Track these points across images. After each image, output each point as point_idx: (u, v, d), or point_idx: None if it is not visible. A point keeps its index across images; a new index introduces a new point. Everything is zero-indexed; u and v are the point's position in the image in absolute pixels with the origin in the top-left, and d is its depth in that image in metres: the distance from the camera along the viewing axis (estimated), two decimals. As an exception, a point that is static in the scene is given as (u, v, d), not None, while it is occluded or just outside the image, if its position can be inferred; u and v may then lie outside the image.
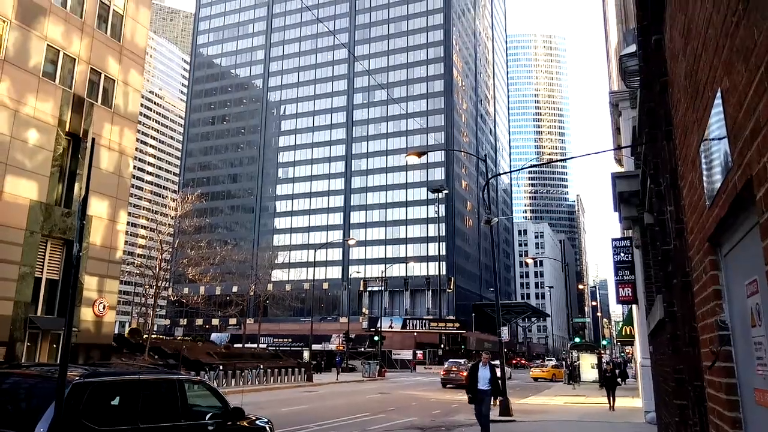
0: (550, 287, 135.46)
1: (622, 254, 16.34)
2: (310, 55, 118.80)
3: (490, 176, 21.26)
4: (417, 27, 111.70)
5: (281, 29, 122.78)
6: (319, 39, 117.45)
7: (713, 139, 2.96)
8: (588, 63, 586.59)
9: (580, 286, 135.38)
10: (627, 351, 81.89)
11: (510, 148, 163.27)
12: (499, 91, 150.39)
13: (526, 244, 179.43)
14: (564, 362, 57.75)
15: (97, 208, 24.44)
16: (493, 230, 24.99)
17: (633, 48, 7.47)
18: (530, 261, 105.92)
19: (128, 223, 34.76)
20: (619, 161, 21.08)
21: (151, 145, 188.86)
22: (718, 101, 2.73)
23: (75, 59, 24.27)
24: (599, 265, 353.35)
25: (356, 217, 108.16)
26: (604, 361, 39.59)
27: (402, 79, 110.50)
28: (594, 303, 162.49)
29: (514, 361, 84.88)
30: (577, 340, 56.13)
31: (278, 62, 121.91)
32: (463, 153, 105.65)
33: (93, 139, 6.27)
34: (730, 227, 2.91)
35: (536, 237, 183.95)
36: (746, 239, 2.68)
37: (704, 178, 3.31)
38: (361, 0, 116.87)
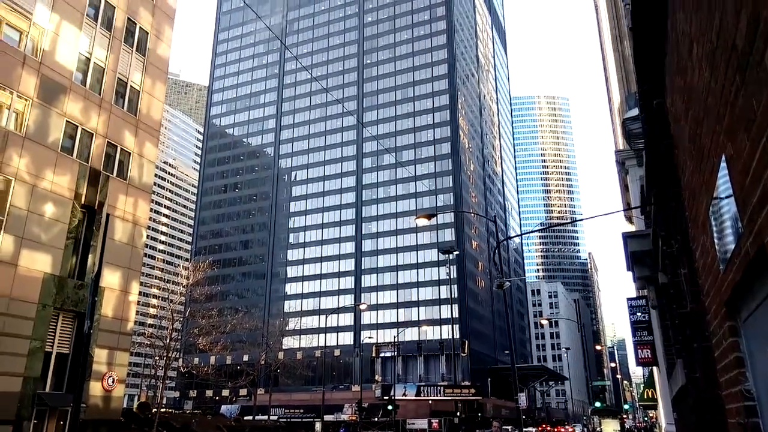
0: (566, 349, 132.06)
1: (639, 314, 15.99)
2: (320, 123, 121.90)
3: (500, 239, 21.22)
4: (423, 93, 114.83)
5: (291, 99, 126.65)
6: (328, 107, 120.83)
7: (722, 205, 2.96)
8: (592, 121, 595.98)
9: (598, 347, 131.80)
10: (651, 415, 78.66)
11: (519, 207, 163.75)
12: (506, 152, 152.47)
13: (540, 304, 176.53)
14: (586, 428, 55.56)
15: (110, 279, 24.52)
16: (506, 291, 24.67)
17: (635, 111, 7.62)
18: (545, 322, 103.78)
19: (140, 293, 34.79)
20: (629, 219, 21.01)
21: (164, 215, 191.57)
22: (723, 167, 2.74)
23: (92, 134, 25.06)
24: (616, 325, 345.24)
25: (367, 280, 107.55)
26: (626, 426, 38.08)
27: (410, 143, 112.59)
28: (613, 364, 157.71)
29: (540, 429, 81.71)
30: (597, 404, 54.18)
31: (289, 130, 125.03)
32: (472, 214, 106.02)
33: (108, 215, 6.36)
34: (747, 293, 2.85)
35: (550, 297, 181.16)
36: (765, 305, 2.62)
37: (716, 242, 3.28)
38: (368, 69, 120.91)
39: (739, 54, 2.15)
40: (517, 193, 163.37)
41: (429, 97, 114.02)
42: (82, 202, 24.06)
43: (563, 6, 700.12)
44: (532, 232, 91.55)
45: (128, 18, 27.81)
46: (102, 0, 26.42)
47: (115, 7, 27.07)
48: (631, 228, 18.61)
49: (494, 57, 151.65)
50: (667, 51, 4.20)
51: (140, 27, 28.54)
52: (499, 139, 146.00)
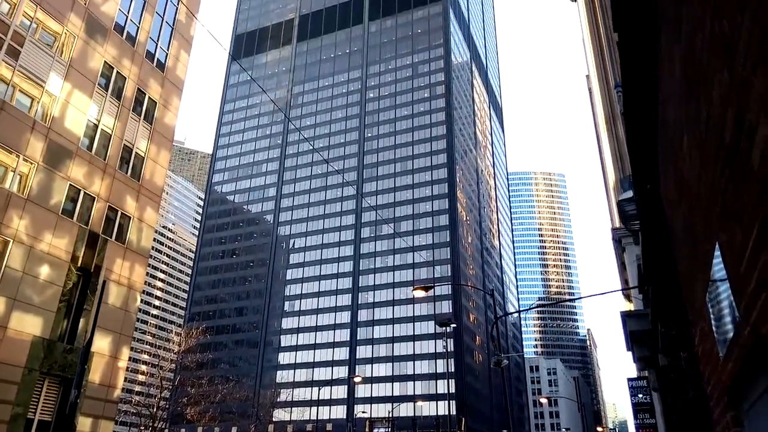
0: (566, 429, 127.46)
1: (640, 395, 15.58)
2: (320, 192, 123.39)
3: (499, 315, 21.01)
4: (422, 166, 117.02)
5: (293, 168, 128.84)
6: (329, 177, 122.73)
7: (718, 291, 2.97)
8: (588, 197, 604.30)
9: (599, 429, 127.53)
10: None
11: (517, 281, 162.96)
12: (504, 226, 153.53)
13: (538, 381, 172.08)
14: None
15: (100, 344, 24.02)
16: (504, 367, 24.15)
17: (630, 194, 7.78)
18: (544, 400, 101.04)
19: (129, 359, 34.12)
20: (628, 297, 20.90)
21: (160, 279, 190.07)
22: (717, 255, 2.78)
23: (94, 198, 25.30)
24: (617, 405, 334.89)
25: (362, 351, 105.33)
26: None
27: (408, 214, 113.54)
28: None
29: None
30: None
31: (289, 198, 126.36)
32: (470, 287, 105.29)
33: (104, 282, 6.35)
34: (748, 382, 2.82)
35: (549, 374, 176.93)
36: (767, 397, 2.58)
37: (714, 328, 3.27)
38: (369, 142, 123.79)
39: (728, 148, 2.24)
40: (515, 266, 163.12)
41: (428, 170, 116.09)
42: (79, 264, 23.95)
43: (559, 88, 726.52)
44: (530, 308, 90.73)
45: (138, 88, 28.75)
46: (114, 71, 27.42)
47: (126, 78, 28.04)
48: (630, 306, 18.47)
49: (491, 134, 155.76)
50: (658, 138, 4.35)
51: (149, 97, 29.45)
52: (497, 213, 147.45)
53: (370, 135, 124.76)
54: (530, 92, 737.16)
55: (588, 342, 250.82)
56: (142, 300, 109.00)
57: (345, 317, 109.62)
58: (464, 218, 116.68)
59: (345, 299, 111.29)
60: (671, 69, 3.73)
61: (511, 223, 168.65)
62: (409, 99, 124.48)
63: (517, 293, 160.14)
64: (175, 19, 32.48)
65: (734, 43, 1.83)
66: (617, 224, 22.96)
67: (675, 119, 3.50)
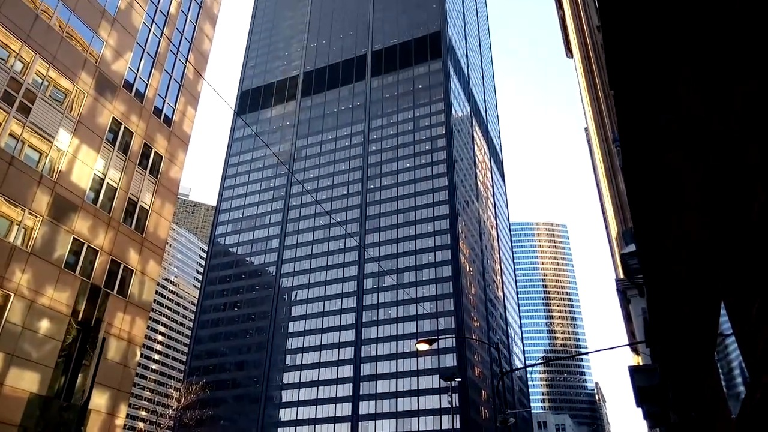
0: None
1: (653, 454, 15.05)
2: (323, 243, 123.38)
3: (505, 370, 20.62)
4: (424, 216, 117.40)
5: (296, 220, 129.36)
6: (331, 228, 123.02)
7: (726, 350, 2.93)
8: (591, 247, 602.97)
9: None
10: None
11: (522, 333, 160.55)
12: (507, 276, 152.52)
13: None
14: None
15: (98, 400, 23.52)
16: (511, 425, 23.46)
17: (633, 247, 7.77)
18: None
19: (127, 415, 33.36)
20: (635, 350, 20.53)
21: (160, 332, 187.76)
22: (723, 313, 2.76)
23: (98, 251, 25.34)
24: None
25: (365, 407, 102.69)
26: None
27: (411, 265, 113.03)
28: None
29: None
30: None
31: (292, 250, 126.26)
32: (474, 340, 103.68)
33: (104, 338, 6.29)
34: (762, 444, 2.74)
35: (558, 430, 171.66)
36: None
37: (724, 387, 3.21)
38: (372, 193, 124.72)
39: (728, 208, 2.27)
40: (520, 318, 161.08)
41: (430, 221, 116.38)
42: (79, 318, 23.74)
43: (558, 139, 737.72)
44: (536, 364, 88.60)
45: (145, 143, 29.28)
46: (122, 126, 28.01)
47: (133, 133, 28.60)
48: (638, 360, 18.10)
49: (493, 185, 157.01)
50: (660, 193, 4.39)
51: (155, 151, 29.95)
52: (500, 263, 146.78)
53: (372, 187, 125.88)
54: (530, 143, 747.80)
55: (597, 396, 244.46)
56: (141, 354, 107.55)
57: (347, 371, 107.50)
58: (467, 269, 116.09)
59: (347, 352, 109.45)
60: (668, 127, 3.81)
61: (515, 274, 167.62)
62: (411, 151, 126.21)
63: (523, 346, 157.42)
64: (183, 76, 33.39)
65: (728, 110, 1.88)
66: (621, 275, 22.81)
67: (674, 176, 3.55)
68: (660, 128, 4.39)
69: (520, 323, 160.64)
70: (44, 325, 22.17)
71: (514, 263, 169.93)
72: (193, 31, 35.41)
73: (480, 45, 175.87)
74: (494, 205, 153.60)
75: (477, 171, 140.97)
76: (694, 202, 3.05)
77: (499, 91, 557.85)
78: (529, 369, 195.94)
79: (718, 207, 2.50)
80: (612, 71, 4.97)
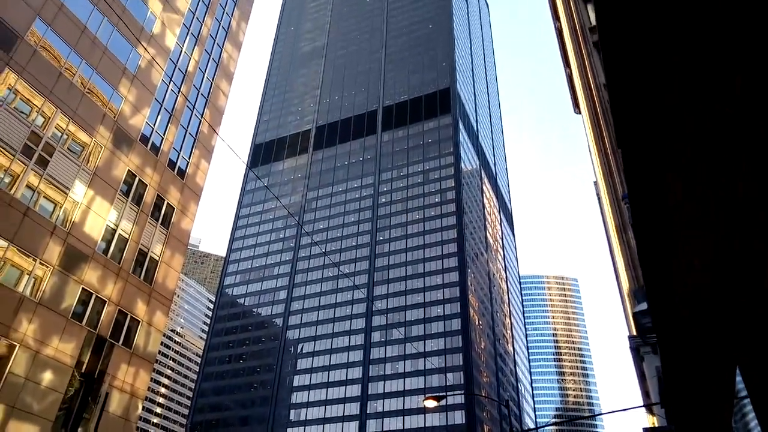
0: None
1: None
2: (330, 295, 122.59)
3: (515, 431, 19.94)
4: (433, 269, 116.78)
5: (304, 271, 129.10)
6: (339, 280, 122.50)
7: (743, 413, 2.87)
8: (603, 301, 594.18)
9: None
10: None
11: (533, 389, 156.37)
12: (517, 331, 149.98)
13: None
14: None
15: (97, 456, 22.97)
16: (522, 488, 22.58)
17: (645, 305, 7.66)
18: None
19: (126, 473, 32.27)
20: (650, 410, 19.89)
21: (163, 384, 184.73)
22: (739, 378, 2.72)
23: (105, 301, 25.32)
24: None
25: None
26: None
27: (419, 318, 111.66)
28: None
29: None
30: None
31: (299, 301, 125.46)
32: (484, 396, 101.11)
33: (107, 393, 6.21)
34: None
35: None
36: None
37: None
38: (380, 245, 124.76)
39: (739, 273, 2.27)
40: (530, 374, 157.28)
41: (439, 274, 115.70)
42: (83, 370, 23.49)
43: (568, 192, 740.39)
44: (548, 425, 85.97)
45: (158, 194, 29.72)
46: (136, 179, 28.52)
47: (147, 185, 29.09)
48: (653, 420, 17.52)
49: (502, 238, 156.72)
50: (670, 253, 4.38)
51: (168, 203, 30.35)
52: (510, 317, 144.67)
53: (381, 239, 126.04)
54: (539, 197, 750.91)
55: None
56: (143, 407, 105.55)
57: (353, 428, 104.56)
58: (477, 322, 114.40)
59: (353, 408, 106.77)
60: (676, 188, 3.84)
61: (525, 329, 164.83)
62: (421, 204, 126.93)
63: (534, 403, 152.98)
64: (198, 130, 34.21)
65: (735, 179, 1.92)
66: (634, 332, 22.36)
67: (684, 237, 3.55)
68: (667, 188, 4.42)
69: (531, 379, 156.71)
70: (47, 376, 21.94)
71: (524, 317, 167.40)
72: (210, 88, 36.50)
73: (488, 101, 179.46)
74: (504, 258, 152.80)
75: (486, 224, 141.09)
76: (705, 264, 3.05)
77: (508, 145, 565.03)
78: (540, 426, 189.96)
79: (729, 271, 2.49)
80: (619, 131, 5.05)
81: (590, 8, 26.26)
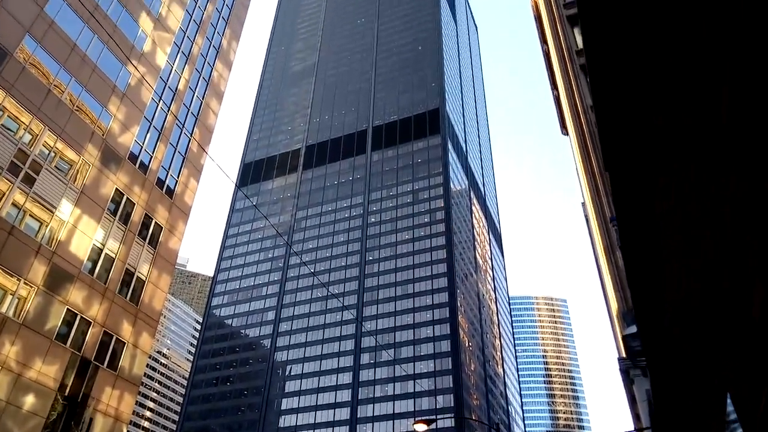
0: None
1: None
2: (319, 316, 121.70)
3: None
4: (423, 289, 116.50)
5: (293, 291, 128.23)
6: (329, 301, 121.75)
7: (736, 443, 2.83)
8: (592, 322, 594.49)
9: None
10: None
11: (523, 412, 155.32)
12: (507, 352, 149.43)
13: None
14: None
15: (78, 482, 22.38)
16: None
17: (634, 329, 7.64)
18: None
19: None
20: (641, 433, 19.73)
21: (149, 408, 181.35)
22: (730, 405, 2.69)
23: (90, 322, 24.92)
24: None
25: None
26: None
27: (409, 339, 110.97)
28: None
29: None
30: None
31: (288, 323, 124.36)
32: (474, 420, 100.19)
33: (91, 419, 6.05)
34: None
35: None
36: None
37: (737, 484, 3.06)
38: (370, 265, 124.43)
39: (729, 301, 2.25)
40: (520, 396, 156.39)
41: (429, 294, 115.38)
42: (66, 393, 23.00)
43: (556, 213, 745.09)
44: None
45: (146, 213, 29.50)
46: (124, 197, 28.31)
47: (135, 204, 28.87)
48: (644, 443, 17.35)
49: (491, 258, 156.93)
50: (659, 277, 4.38)
51: (156, 222, 30.11)
52: (500, 338, 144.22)
53: (371, 259, 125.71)
54: (527, 217, 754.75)
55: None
56: (127, 431, 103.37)
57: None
58: (466, 344, 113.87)
59: (343, 431, 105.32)
60: (663, 211, 3.85)
61: (515, 350, 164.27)
62: (410, 224, 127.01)
63: (524, 426, 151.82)
64: (187, 149, 34.13)
65: (722, 204, 1.91)
66: (623, 353, 22.31)
67: (672, 262, 3.56)
68: (655, 211, 4.43)
69: (521, 401, 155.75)
70: (29, 400, 21.44)
71: (514, 338, 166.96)
72: (200, 106, 36.53)
73: (477, 121, 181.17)
74: (493, 279, 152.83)
75: (476, 244, 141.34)
76: (694, 290, 3.03)
77: (497, 165, 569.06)
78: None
79: (718, 298, 2.48)
80: (606, 154, 5.07)
81: (577, 31, 26.72)
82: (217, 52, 39.81)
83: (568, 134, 36.65)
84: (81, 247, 25.12)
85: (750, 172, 1.79)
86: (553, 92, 39.70)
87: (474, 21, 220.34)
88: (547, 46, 32.67)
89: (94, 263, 25.85)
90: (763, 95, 1.61)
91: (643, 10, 3.74)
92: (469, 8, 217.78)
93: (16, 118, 23.57)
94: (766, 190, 1.67)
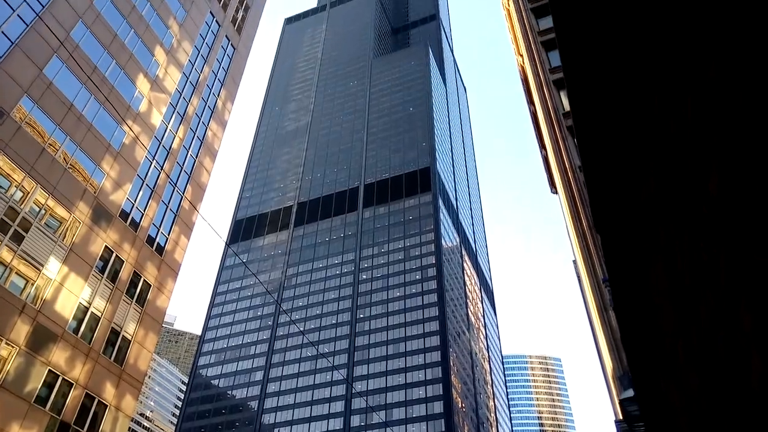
0: None
1: None
2: (309, 376, 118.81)
3: None
4: (415, 348, 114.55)
5: (282, 351, 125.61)
6: (318, 361, 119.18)
7: None
8: (587, 380, 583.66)
9: None
10: None
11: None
12: (501, 413, 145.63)
13: None
14: None
15: None
16: None
17: (631, 392, 7.49)
18: None
19: None
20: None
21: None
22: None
23: (72, 384, 24.15)
24: None
25: None
26: None
27: (401, 400, 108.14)
28: None
29: None
30: None
31: (276, 383, 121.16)
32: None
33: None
34: None
35: None
36: None
37: None
38: (361, 323, 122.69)
39: (725, 371, 2.23)
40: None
41: (421, 353, 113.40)
42: (42, 460, 22.00)
43: (547, 270, 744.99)
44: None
45: (135, 271, 29.17)
46: (113, 255, 28.06)
47: (124, 262, 28.59)
48: None
49: (484, 316, 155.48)
50: (655, 342, 4.34)
51: (144, 280, 29.75)
52: (494, 399, 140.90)
53: (362, 316, 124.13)
54: (519, 274, 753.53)
55: None
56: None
57: None
58: (460, 405, 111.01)
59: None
60: (657, 273, 3.85)
61: (509, 411, 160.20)
62: (402, 281, 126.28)
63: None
64: (179, 206, 34.17)
65: (716, 273, 1.92)
66: (620, 416, 21.78)
67: (666, 325, 3.53)
68: (649, 274, 4.43)
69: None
70: (4, 467, 20.49)
71: (508, 398, 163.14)
72: (193, 165, 36.85)
73: (467, 179, 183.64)
74: (486, 337, 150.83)
75: (468, 301, 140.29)
76: (689, 356, 3.00)
77: (487, 223, 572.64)
78: None
79: (714, 366, 2.45)
80: (596, 217, 5.10)
81: (563, 95, 27.55)
82: (212, 112, 40.55)
83: (557, 193, 37.14)
84: (67, 306, 24.65)
85: (740, 248, 1.81)
86: (541, 152, 40.50)
87: (463, 83, 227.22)
88: (535, 107, 33.60)
89: (80, 322, 25.31)
90: (751, 174, 1.66)
91: (628, 77, 3.87)
92: (458, 71, 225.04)
93: (9, 175, 23.62)
94: (758, 263, 1.69)
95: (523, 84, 39.67)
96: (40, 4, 26.53)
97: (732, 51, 1.81)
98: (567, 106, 25.71)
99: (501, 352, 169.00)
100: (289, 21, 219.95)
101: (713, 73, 1.96)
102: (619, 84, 4.12)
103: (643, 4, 2.94)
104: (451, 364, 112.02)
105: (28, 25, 25.57)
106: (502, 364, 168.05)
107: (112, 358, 26.64)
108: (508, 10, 37.77)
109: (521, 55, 35.11)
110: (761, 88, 1.67)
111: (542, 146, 37.55)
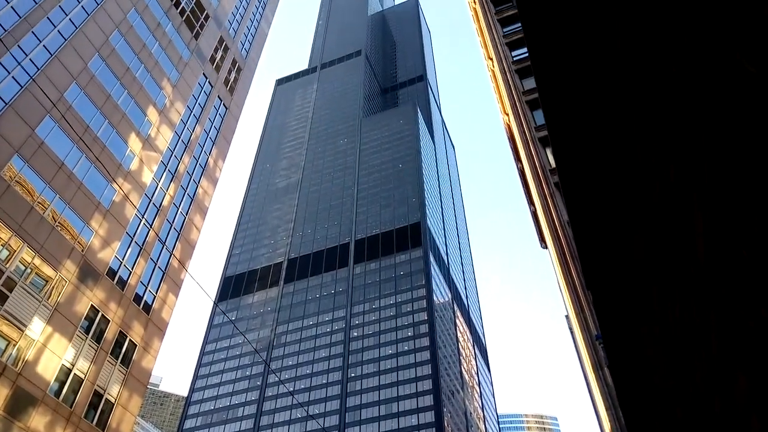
0: None
1: None
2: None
3: None
4: (407, 408, 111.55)
5: (271, 412, 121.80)
6: (308, 423, 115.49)
7: None
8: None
9: None
10: None
11: None
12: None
13: None
14: None
15: None
16: None
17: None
18: None
19: None
20: None
21: None
22: None
23: (50, 452, 23.13)
24: None
25: None
26: None
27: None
28: None
29: None
30: None
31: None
32: None
33: None
34: None
35: None
36: None
37: None
38: (352, 382, 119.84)
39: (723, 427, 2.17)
40: None
41: (414, 413, 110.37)
42: None
43: (541, 325, 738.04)
44: None
45: (120, 331, 28.54)
46: (99, 314, 27.51)
47: (110, 321, 28.01)
48: None
49: (478, 373, 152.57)
50: (653, 402, 4.24)
51: (130, 339, 29.08)
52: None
53: (353, 375, 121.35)
54: (512, 330, 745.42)
55: None
56: None
57: None
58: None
59: None
60: (652, 331, 3.81)
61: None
62: (393, 338, 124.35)
63: None
64: (168, 264, 33.86)
65: (706, 335, 1.90)
66: (621, 478, 21.07)
67: (664, 384, 3.46)
68: (643, 331, 4.38)
69: None
70: None
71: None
72: (183, 222, 36.77)
73: (458, 235, 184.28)
74: (480, 396, 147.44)
75: (461, 358, 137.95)
76: (687, 416, 2.93)
77: (479, 278, 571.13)
78: None
79: (713, 426, 2.39)
80: (587, 273, 5.08)
81: (549, 152, 28.12)
82: (203, 169, 40.84)
83: (547, 247, 37.26)
84: (49, 368, 23.92)
85: (730, 308, 1.80)
86: (530, 207, 40.90)
87: (451, 141, 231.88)
88: (522, 164, 34.18)
89: (62, 384, 24.50)
90: (734, 231, 1.67)
91: (613, 135, 3.95)
92: (446, 129, 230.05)
93: (-4, 234, 23.39)
94: (749, 327, 1.67)
95: (509, 142, 40.50)
96: (35, 66, 27.06)
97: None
98: (554, 163, 26.20)
99: (496, 410, 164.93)
100: (280, 82, 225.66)
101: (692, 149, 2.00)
102: (603, 143, 4.19)
103: (621, 72, 3.04)
104: (446, 424, 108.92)
105: (22, 87, 25.97)
106: (498, 424, 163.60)
107: (94, 422, 25.66)
108: (493, 71, 39.00)
109: (507, 114, 36.02)
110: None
111: (531, 202, 37.96)
